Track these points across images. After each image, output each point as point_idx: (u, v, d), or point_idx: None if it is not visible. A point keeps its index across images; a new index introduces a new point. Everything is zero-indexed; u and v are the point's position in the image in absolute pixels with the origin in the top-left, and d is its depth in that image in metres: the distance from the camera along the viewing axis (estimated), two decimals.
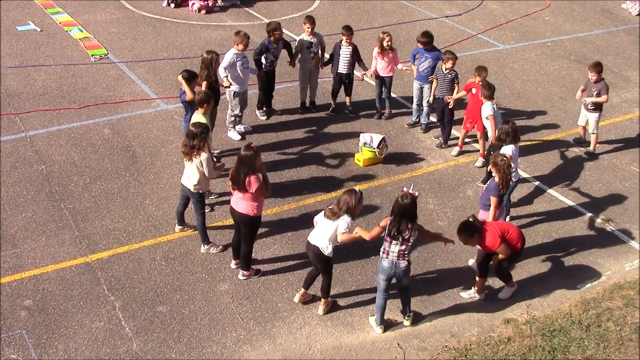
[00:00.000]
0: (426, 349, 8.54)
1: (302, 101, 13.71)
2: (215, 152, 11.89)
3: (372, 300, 9.12)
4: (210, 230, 10.00)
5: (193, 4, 18.24)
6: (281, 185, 11.38)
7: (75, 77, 14.38)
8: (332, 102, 13.71)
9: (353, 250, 9.77)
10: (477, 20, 18.96)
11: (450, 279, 9.69)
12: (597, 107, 12.50)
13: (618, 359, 8.53)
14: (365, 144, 12.07)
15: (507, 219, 10.66)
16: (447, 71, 12.21)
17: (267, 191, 9.04)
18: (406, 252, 8.30)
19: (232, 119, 12.47)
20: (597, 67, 12.35)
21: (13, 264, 9.37)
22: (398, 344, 8.57)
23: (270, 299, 9.15)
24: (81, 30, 16.48)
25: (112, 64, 15.08)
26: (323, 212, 8.57)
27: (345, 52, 13.09)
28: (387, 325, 8.85)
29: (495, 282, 9.52)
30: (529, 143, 12.82)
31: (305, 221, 10.56)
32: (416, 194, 8.28)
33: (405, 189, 8.28)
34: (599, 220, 11.13)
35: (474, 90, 11.80)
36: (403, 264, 8.34)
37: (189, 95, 10.60)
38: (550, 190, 11.77)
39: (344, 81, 13.43)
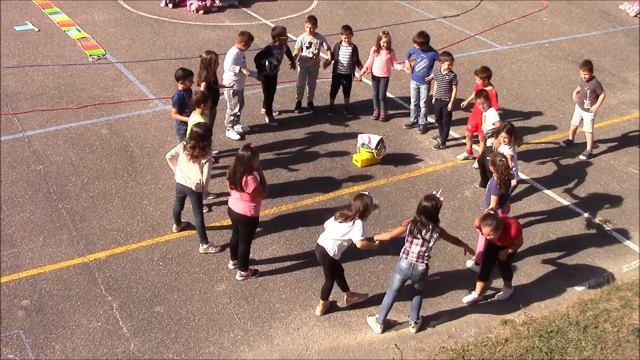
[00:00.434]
0: (424, 350, 8.54)
1: (299, 101, 13.70)
2: (214, 152, 11.88)
3: (370, 301, 9.13)
4: (208, 230, 9.99)
5: (191, 4, 18.24)
6: (279, 186, 11.38)
7: (73, 77, 14.37)
8: (330, 103, 13.70)
9: (351, 252, 9.74)
10: (475, 21, 18.98)
11: (448, 280, 9.69)
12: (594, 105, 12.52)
13: None
14: (363, 144, 12.07)
15: None
16: (445, 72, 12.21)
17: (264, 192, 9.03)
18: (426, 255, 8.30)
19: (232, 118, 12.46)
20: (588, 65, 12.37)
21: (10, 263, 9.36)
22: (395, 345, 8.57)
23: (268, 299, 9.15)
24: (79, 30, 16.47)
25: (110, 64, 15.07)
26: (333, 217, 8.58)
27: (344, 52, 13.09)
28: (386, 325, 8.85)
29: (495, 283, 9.52)
30: (527, 144, 12.82)
31: (303, 222, 10.58)
32: (442, 199, 8.32)
33: (434, 192, 8.37)
34: (596, 222, 11.14)
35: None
36: (421, 267, 8.34)
37: (182, 118, 10.69)
38: (547, 191, 11.78)
39: (343, 82, 13.42)
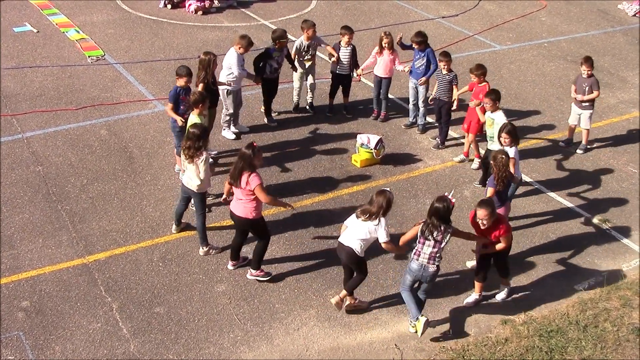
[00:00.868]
0: (424, 350, 8.54)
1: (297, 102, 13.69)
2: (213, 152, 11.90)
3: (370, 301, 9.14)
4: (208, 231, 9.98)
5: (190, 5, 18.23)
6: (278, 186, 11.38)
7: (72, 79, 14.36)
8: (329, 103, 13.70)
9: None
10: (473, 21, 18.98)
11: (448, 280, 9.69)
12: (590, 104, 12.56)
13: (615, 359, 8.54)
14: (362, 144, 12.07)
15: None
16: (445, 73, 12.21)
17: (267, 194, 8.97)
18: (437, 256, 8.32)
19: (227, 118, 12.48)
20: (590, 61, 12.40)
21: (10, 265, 9.35)
22: (395, 345, 8.57)
23: (268, 300, 9.14)
24: (78, 32, 16.47)
25: (109, 65, 15.07)
26: (354, 214, 8.57)
27: (344, 53, 13.09)
28: (384, 326, 8.85)
29: (493, 283, 9.52)
30: (526, 143, 12.82)
31: (302, 222, 10.58)
32: (453, 200, 8.34)
33: (446, 193, 8.37)
34: (595, 221, 11.14)
35: (480, 96, 11.64)
36: (432, 268, 8.36)
37: (178, 121, 10.63)
38: (547, 191, 11.79)
39: (343, 82, 13.42)
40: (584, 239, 10.74)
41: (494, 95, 11.02)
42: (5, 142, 12.01)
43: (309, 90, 13.61)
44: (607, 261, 10.30)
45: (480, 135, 11.90)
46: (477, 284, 9.24)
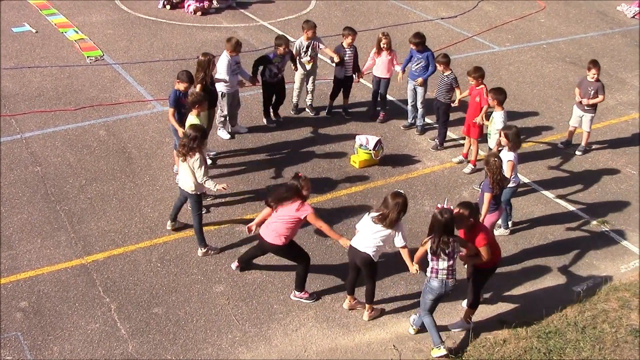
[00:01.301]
0: (422, 351, 8.54)
1: (295, 103, 13.69)
2: (212, 153, 11.90)
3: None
4: (206, 231, 9.98)
5: (189, 5, 18.23)
6: (276, 187, 11.37)
7: (71, 79, 14.36)
8: (329, 104, 13.70)
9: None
10: (472, 22, 18.99)
11: None
12: (593, 108, 12.57)
13: None
14: (361, 145, 12.08)
15: (510, 223, 10.69)
16: (444, 75, 12.22)
17: (323, 223, 8.81)
18: (454, 269, 8.14)
19: (222, 119, 12.51)
20: (598, 65, 12.40)
21: (8, 265, 9.34)
22: (394, 346, 8.58)
23: (266, 300, 9.14)
24: (77, 32, 16.46)
25: (108, 66, 15.07)
26: (368, 218, 8.45)
27: (347, 54, 13.08)
28: (382, 327, 8.85)
29: (494, 283, 9.53)
30: (524, 145, 12.82)
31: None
32: (451, 207, 8.18)
33: (439, 205, 8.16)
34: (594, 222, 11.15)
35: (477, 99, 11.68)
36: (452, 282, 8.16)
37: (179, 132, 10.53)
38: (545, 192, 11.79)
39: (344, 84, 13.42)
40: (582, 240, 10.75)
41: (498, 94, 10.99)
42: (4, 142, 12.00)
43: (308, 92, 13.61)
44: (606, 263, 10.31)
45: (482, 138, 11.89)
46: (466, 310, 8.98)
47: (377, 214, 8.36)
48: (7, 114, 12.85)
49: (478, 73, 11.69)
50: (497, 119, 10.96)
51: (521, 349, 8.57)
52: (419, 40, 12.69)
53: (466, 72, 11.99)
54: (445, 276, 8.12)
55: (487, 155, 9.62)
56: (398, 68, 13.16)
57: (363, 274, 8.74)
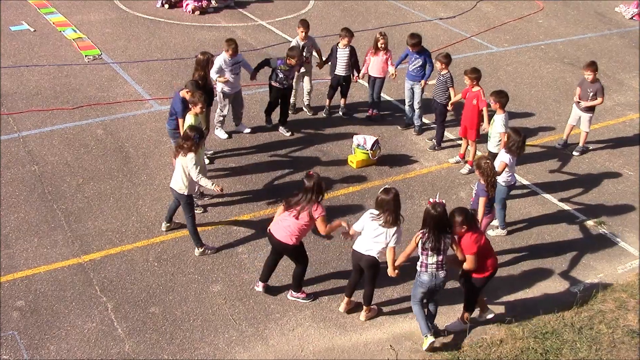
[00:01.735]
0: (418, 351, 8.54)
1: (293, 103, 13.66)
2: (209, 152, 11.90)
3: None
4: (204, 232, 9.98)
5: (187, 4, 18.23)
6: (274, 187, 11.38)
7: (69, 78, 14.35)
8: (327, 104, 13.70)
9: (346, 253, 9.75)
10: (471, 23, 19.00)
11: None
12: (591, 108, 12.58)
13: None
14: (358, 145, 12.08)
15: (496, 222, 10.69)
16: (440, 73, 12.23)
17: (326, 228, 8.70)
18: (444, 262, 8.15)
19: (220, 118, 12.51)
20: (593, 66, 12.40)
21: (5, 264, 9.33)
22: (390, 346, 8.58)
23: (263, 300, 9.14)
24: (75, 31, 16.45)
25: (106, 65, 15.06)
26: (368, 220, 8.40)
27: (342, 54, 13.09)
28: (379, 327, 8.85)
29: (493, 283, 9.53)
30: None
31: None
32: (443, 201, 8.11)
33: (432, 200, 8.12)
34: (591, 223, 11.16)
35: (474, 102, 11.66)
36: (442, 273, 8.18)
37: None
38: (542, 193, 11.80)
39: (342, 84, 13.42)
40: (579, 241, 10.76)
41: (501, 96, 10.89)
42: (1, 141, 11.98)
43: (305, 92, 13.60)
44: (603, 263, 10.32)
45: (479, 139, 11.89)
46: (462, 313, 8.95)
47: (381, 220, 8.29)
48: (4, 112, 12.84)
49: (475, 74, 11.65)
50: (498, 121, 10.94)
51: (518, 350, 8.57)
52: (416, 41, 12.70)
53: (463, 72, 11.98)
54: (434, 269, 8.15)
55: (477, 158, 9.47)
56: (391, 69, 13.09)
57: (365, 276, 8.73)
